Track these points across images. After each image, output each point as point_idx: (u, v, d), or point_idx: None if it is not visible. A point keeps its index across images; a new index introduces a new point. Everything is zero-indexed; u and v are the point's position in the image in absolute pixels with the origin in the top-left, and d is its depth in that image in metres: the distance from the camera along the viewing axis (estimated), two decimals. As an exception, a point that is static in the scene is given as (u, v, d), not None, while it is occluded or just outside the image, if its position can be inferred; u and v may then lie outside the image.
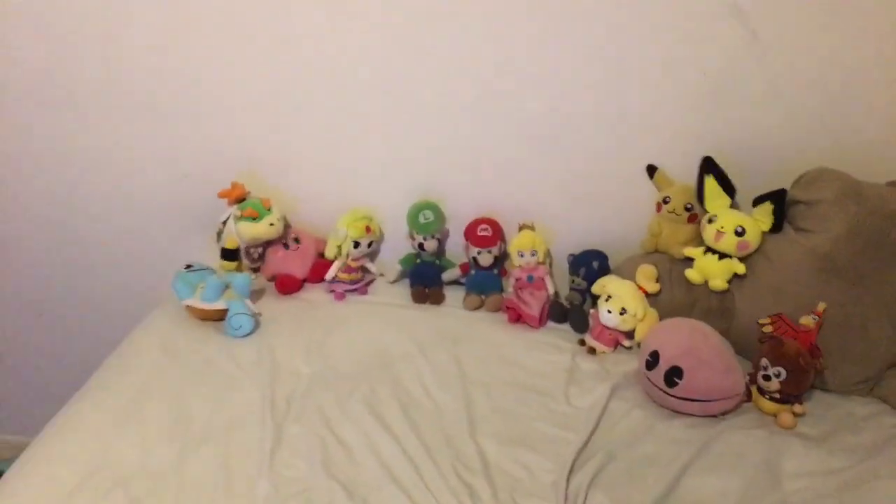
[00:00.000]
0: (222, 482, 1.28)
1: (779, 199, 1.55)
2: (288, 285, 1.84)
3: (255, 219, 1.78)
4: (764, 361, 1.46)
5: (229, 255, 1.85)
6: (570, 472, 1.32)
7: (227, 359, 1.59)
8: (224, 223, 1.83)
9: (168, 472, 1.29)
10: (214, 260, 1.86)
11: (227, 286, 1.69)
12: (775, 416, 1.46)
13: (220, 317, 1.68)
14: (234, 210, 1.81)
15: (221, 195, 1.81)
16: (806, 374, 1.44)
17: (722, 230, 1.58)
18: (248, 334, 1.67)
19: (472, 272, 1.85)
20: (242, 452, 1.34)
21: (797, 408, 1.46)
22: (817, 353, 1.46)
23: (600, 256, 1.78)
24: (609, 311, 1.64)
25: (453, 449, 1.38)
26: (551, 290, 1.81)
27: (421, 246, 1.85)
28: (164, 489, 1.26)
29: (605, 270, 1.76)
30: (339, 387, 1.52)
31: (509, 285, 1.83)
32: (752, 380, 1.50)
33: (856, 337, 1.48)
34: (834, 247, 1.47)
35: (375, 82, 1.74)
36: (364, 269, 1.89)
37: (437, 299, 1.85)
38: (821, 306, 1.48)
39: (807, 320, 1.49)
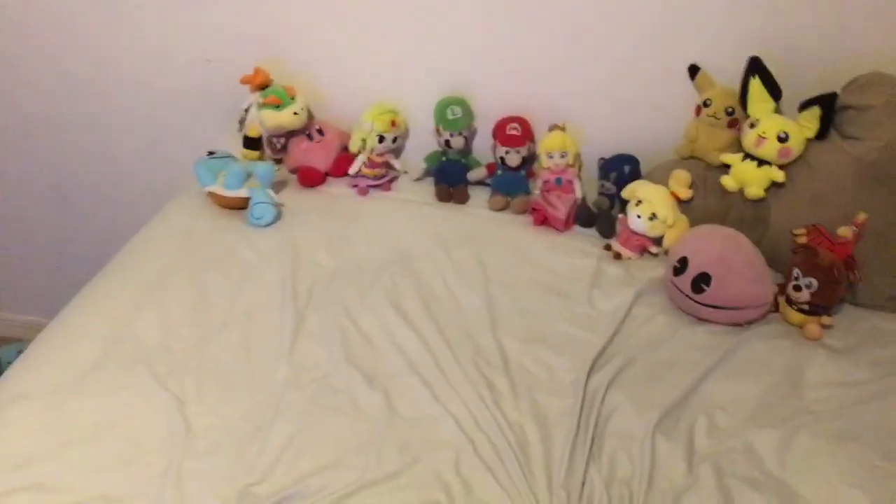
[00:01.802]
0: (243, 365, 1.29)
1: (828, 104, 1.47)
2: (311, 178, 1.81)
3: (278, 107, 1.73)
4: (796, 271, 1.42)
5: (251, 143, 1.82)
6: (590, 371, 1.32)
7: (249, 247, 1.58)
8: (246, 110, 1.79)
9: (190, 353, 1.31)
10: (237, 149, 1.83)
11: (249, 175, 1.66)
12: (801, 327, 1.43)
13: (241, 205, 1.66)
14: (257, 97, 1.76)
15: (243, 81, 1.75)
16: (838, 286, 1.40)
17: (764, 135, 1.51)
18: (270, 224, 1.65)
19: (499, 172, 1.80)
20: (262, 338, 1.35)
21: (825, 319, 1.43)
22: (853, 264, 1.42)
23: (632, 161, 1.72)
24: (638, 216, 1.59)
25: (474, 344, 1.37)
26: (579, 194, 1.76)
27: (447, 143, 1.80)
28: (185, 369, 1.28)
29: (636, 176, 1.70)
30: (360, 279, 1.51)
31: (536, 187, 1.79)
32: (781, 291, 1.47)
33: (895, 250, 1.43)
34: (882, 155, 1.40)
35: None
36: (388, 165, 1.85)
37: (462, 199, 1.81)
38: (861, 216, 1.42)
39: (844, 231, 1.44)
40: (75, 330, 1.34)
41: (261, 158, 1.83)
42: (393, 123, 1.78)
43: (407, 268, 1.56)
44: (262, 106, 1.74)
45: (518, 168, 1.78)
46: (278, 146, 1.84)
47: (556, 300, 1.50)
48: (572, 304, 1.49)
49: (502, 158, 1.77)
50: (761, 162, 1.54)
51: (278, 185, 1.78)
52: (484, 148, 1.85)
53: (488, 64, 1.76)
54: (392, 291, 1.49)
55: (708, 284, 1.40)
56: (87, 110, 2.00)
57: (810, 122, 1.50)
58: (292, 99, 1.76)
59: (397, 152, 1.90)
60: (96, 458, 1.11)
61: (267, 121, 1.75)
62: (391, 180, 1.86)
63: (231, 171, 1.63)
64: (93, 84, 1.95)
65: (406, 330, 1.39)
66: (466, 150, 1.85)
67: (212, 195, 1.67)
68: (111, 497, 1.05)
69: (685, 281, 1.43)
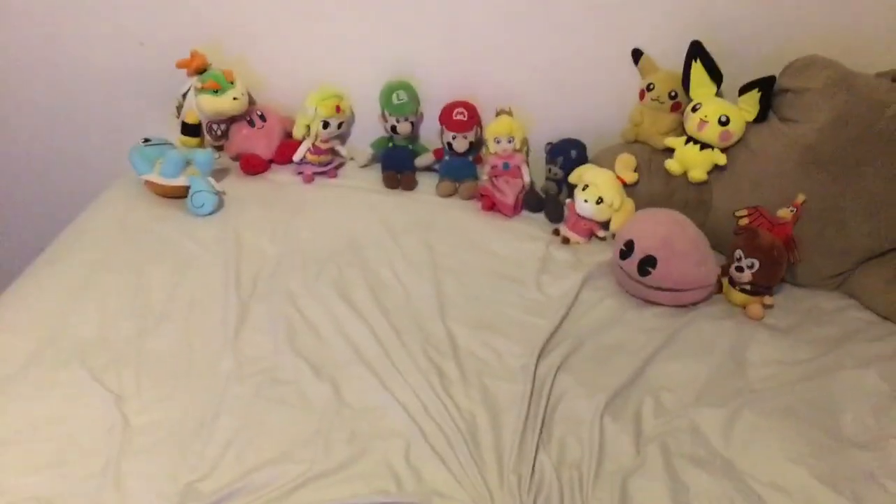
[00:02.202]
0: (184, 358, 1.25)
1: (767, 87, 1.49)
2: (253, 165, 1.76)
3: (216, 91, 1.68)
4: (738, 252, 1.44)
5: (190, 130, 1.75)
6: (539, 356, 1.32)
7: (189, 237, 1.53)
8: (184, 96, 1.72)
9: (128, 346, 1.26)
10: (174, 137, 1.76)
11: (187, 162, 1.60)
12: (744, 307, 1.46)
13: (180, 194, 1.60)
14: (195, 82, 1.69)
15: (180, 65, 1.69)
16: (779, 266, 1.43)
17: (705, 119, 1.53)
18: (211, 213, 1.60)
19: (447, 158, 1.79)
20: (205, 329, 1.31)
21: (767, 299, 1.46)
22: (792, 245, 1.45)
23: (578, 146, 1.72)
24: (585, 201, 1.60)
25: (423, 332, 1.36)
26: (527, 179, 1.76)
27: (394, 129, 1.77)
28: (123, 363, 1.23)
29: (583, 160, 1.71)
30: (306, 268, 1.48)
31: (484, 173, 1.77)
32: (724, 272, 1.50)
33: (833, 230, 1.47)
34: (819, 137, 1.43)
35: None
36: (333, 152, 1.81)
37: (409, 185, 1.78)
38: (799, 198, 1.46)
39: (784, 212, 1.47)
40: (6, 325, 1.28)
41: (200, 146, 1.77)
42: (338, 108, 1.74)
43: (354, 256, 1.53)
44: (200, 91, 1.68)
45: (466, 153, 1.77)
46: (219, 133, 1.78)
47: (505, 286, 1.50)
48: (521, 290, 1.49)
49: (449, 144, 1.75)
50: (704, 145, 1.56)
51: (219, 173, 1.73)
52: (432, 133, 1.83)
53: (435, 48, 1.74)
54: (339, 280, 1.46)
55: (654, 267, 1.41)
56: (13, 95, 1.90)
57: (750, 105, 1.52)
58: (231, 83, 1.70)
59: (343, 138, 1.86)
60: (30, 459, 1.06)
61: (205, 106, 1.69)
62: (337, 167, 1.83)
63: (168, 159, 1.57)
64: (19, 67, 1.85)
65: (354, 319, 1.36)
66: (413, 135, 1.83)
67: (149, 184, 1.61)
68: (45, 498, 1.01)
69: (631, 264, 1.44)
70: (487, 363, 1.31)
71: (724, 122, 1.51)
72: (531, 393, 1.24)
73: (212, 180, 1.62)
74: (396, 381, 1.24)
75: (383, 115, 1.77)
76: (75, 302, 1.33)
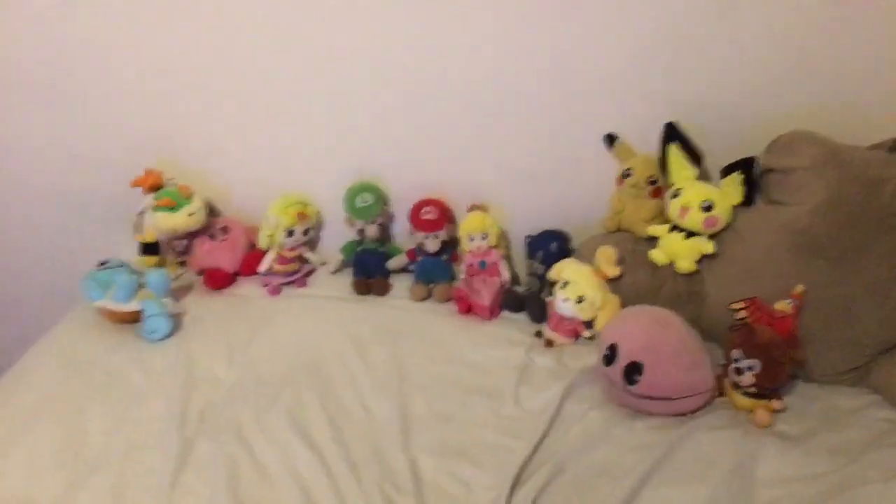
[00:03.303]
0: (110, 516, 1.12)
1: (749, 168, 1.36)
2: (217, 279, 1.68)
3: (172, 208, 1.61)
4: (735, 353, 1.28)
5: (149, 249, 1.69)
6: (514, 487, 1.17)
7: (137, 368, 1.43)
8: (141, 214, 1.66)
9: (52, 504, 1.14)
10: (136, 256, 1.70)
11: (140, 285, 1.52)
12: (751, 412, 1.29)
13: (136, 318, 1.52)
14: (150, 199, 1.63)
15: (134, 184, 1.64)
16: (782, 367, 1.26)
17: (687, 206, 1.40)
18: (166, 337, 1.50)
19: (420, 259, 1.68)
20: (140, 479, 1.19)
21: (775, 403, 1.29)
22: (795, 342, 1.29)
23: (559, 238, 1.60)
24: (565, 300, 1.46)
25: (382, 464, 1.22)
26: (507, 277, 1.63)
27: (361, 232, 1.68)
28: (45, 526, 1.11)
29: (565, 253, 1.58)
30: (260, 395, 1.36)
31: (462, 272, 1.66)
32: (726, 372, 1.33)
33: (840, 321, 1.30)
34: (812, 220, 1.28)
35: (304, 54, 1.56)
36: (302, 259, 1.72)
37: (382, 290, 1.67)
38: (798, 288, 1.30)
39: (783, 305, 1.31)
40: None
41: (160, 264, 1.70)
42: (301, 215, 1.66)
43: (314, 376, 1.41)
44: (156, 209, 1.61)
45: (439, 253, 1.66)
46: (181, 248, 1.71)
47: (478, 402, 1.36)
48: (496, 406, 1.35)
49: (421, 244, 1.65)
50: (689, 233, 1.42)
51: (183, 290, 1.66)
52: (405, 233, 1.72)
53: (399, 145, 1.66)
54: (294, 406, 1.34)
55: (641, 374, 1.26)
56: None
57: (733, 188, 1.39)
58: (188, 199, 1.64)
59: (312, 244, 1.77)
60: None
61: (161, 224, 1.63)
62: (307, 274, 1.73)
63: (119, 283, 1.49)
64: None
65: (306, 453, 1.23)
66: (384, 237, 1.73)
67: (103, 311, 1.53)
68: None
69: (616, 371, 1.29)
70: (453, 499, 1.16)
71: (707, 208, 1.38)
72: (501, 536, 1.08)
73: (168, 301, 1.53)
74: (347, 530, 1.10)
75: (349, 220, 1.68)
76: (2, 456, 1.22)
